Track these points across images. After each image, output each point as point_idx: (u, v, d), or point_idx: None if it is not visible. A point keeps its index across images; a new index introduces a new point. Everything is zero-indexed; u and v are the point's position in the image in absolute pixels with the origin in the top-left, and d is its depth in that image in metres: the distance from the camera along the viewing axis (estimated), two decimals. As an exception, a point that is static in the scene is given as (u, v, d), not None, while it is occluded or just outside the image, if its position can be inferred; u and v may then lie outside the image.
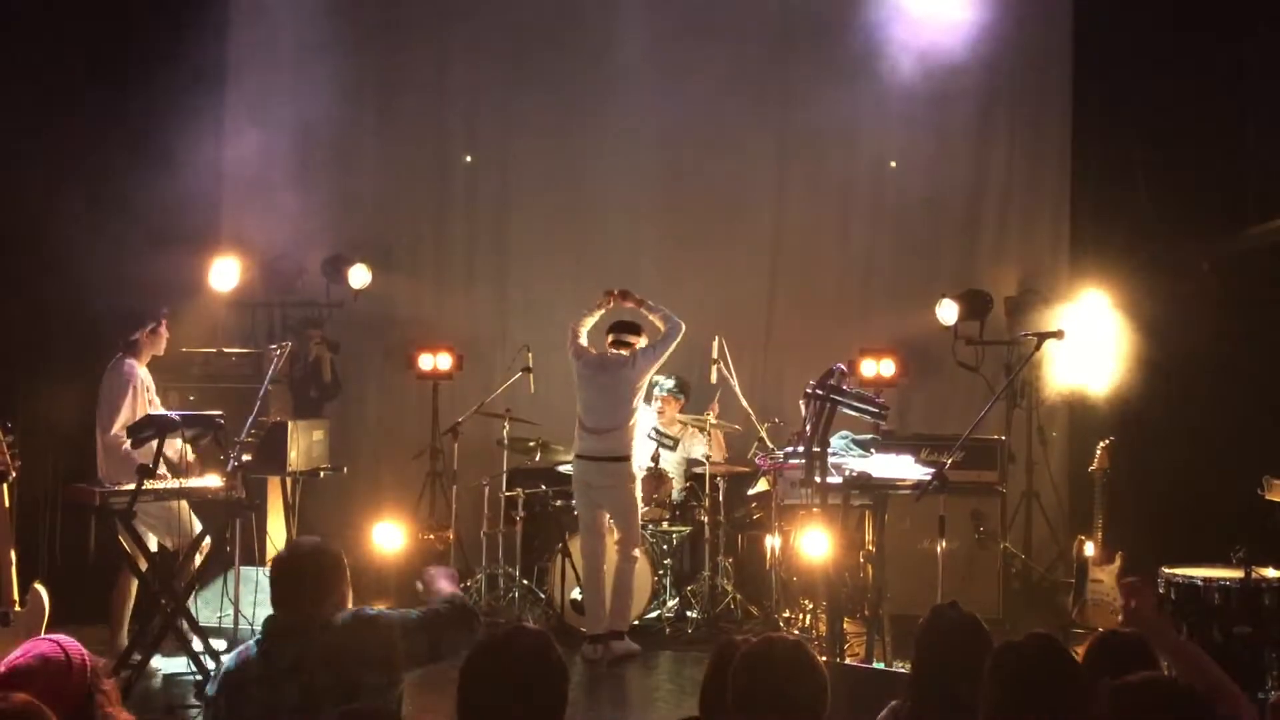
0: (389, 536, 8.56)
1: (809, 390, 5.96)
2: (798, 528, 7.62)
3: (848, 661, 6.14)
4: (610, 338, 7.63)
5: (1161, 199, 8.73)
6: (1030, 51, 9.62)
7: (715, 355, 8.06)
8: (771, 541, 7.79)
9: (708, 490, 8.13)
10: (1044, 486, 9.22)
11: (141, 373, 6.88)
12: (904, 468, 6.36)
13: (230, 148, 9.58)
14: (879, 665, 5.99)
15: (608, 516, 7.47)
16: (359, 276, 9.33)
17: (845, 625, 6.84)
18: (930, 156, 9.67)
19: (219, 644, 6.67)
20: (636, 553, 7.40)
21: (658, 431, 8.01)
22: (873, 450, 6.61)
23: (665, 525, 8.14)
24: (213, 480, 6.49)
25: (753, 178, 9.85)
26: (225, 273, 8.99)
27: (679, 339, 7.57)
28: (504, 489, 8.40)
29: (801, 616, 7.81)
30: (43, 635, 3.22)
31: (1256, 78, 8.48)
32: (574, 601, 7.72)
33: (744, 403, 7.98)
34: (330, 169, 9.84)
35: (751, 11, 9.74)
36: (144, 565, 6.44)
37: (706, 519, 8.09)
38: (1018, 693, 2.90)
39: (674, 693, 6.76)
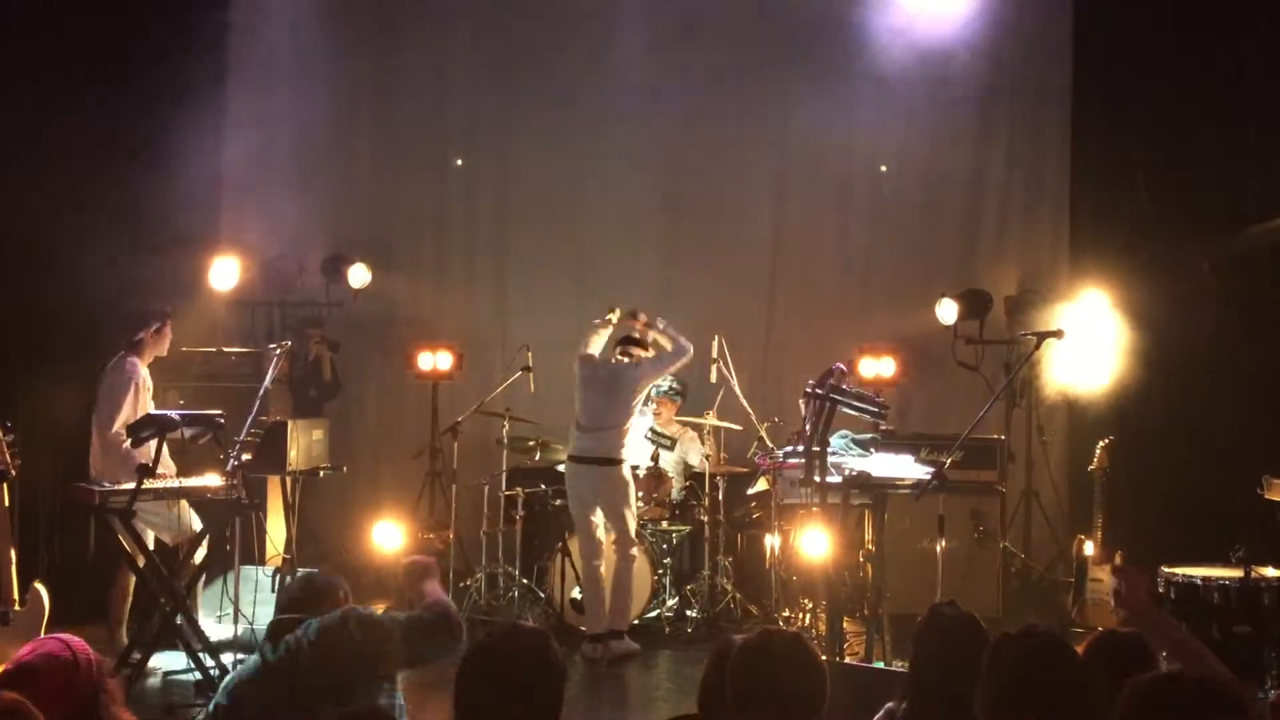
0: (389, 536, 8.57)
1: (808, 390, 5.96)
2: (797, 527, 7.62)
3: (847, 660, 6.13)
4: (618, 349, 7.66)
5: (1161, 199, 8.73)
6: (1030, 51, 9.63)
7: (715, 355, 8.06)
8: (771, 541, 7.79)
9: (707, 490, 8.14)
10: (1043, 486, 9.22)
11: (143, 372, 6.89)
12: (903, 467, 6.36)
13: (230, 147, 9.59)
14: (879, 664, 5.98)
15: (601, 517, 7.46)
16: (358, 276, 9.33)
17: (845, 624, 6.84)
18: (930, 156, 9.67)
19: (218, 634, 6.69)
20: (634, 551, 7.40)
21: (654, 432, 8.02)
22: (872, 450, 6.60)
23: (665, 524, 8.14)
24: (212, 479, 6.49)
25: (752, 177, 9.86)
26: (225, 272, 8.99)
27: (684, 360, 7.61)
28: (503, 488, 8.41)
29: (801, 616, 7.81)
30: (50, 635, 3.22)
31: (1256, 78, 8.49)
32: (574, 601, 7.72)
33: (744, 402, 7.97)
34: (330, 168, 9.85)
35: (750, 12, 9.74)
36: (143, 564, 6.44)
37: (706, 518, 8.10)
38: (1016, 689, 2.87)
39: (673, 692, 6.77)
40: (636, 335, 7.63)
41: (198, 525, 6.73)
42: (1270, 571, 6.22)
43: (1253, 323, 7.98)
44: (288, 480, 6.92)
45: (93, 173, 8.30)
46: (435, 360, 9.25)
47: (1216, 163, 8.57)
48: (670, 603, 8.02)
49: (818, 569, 7.12)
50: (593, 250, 9.84)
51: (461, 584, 8.26)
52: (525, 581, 8.12)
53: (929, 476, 5.80)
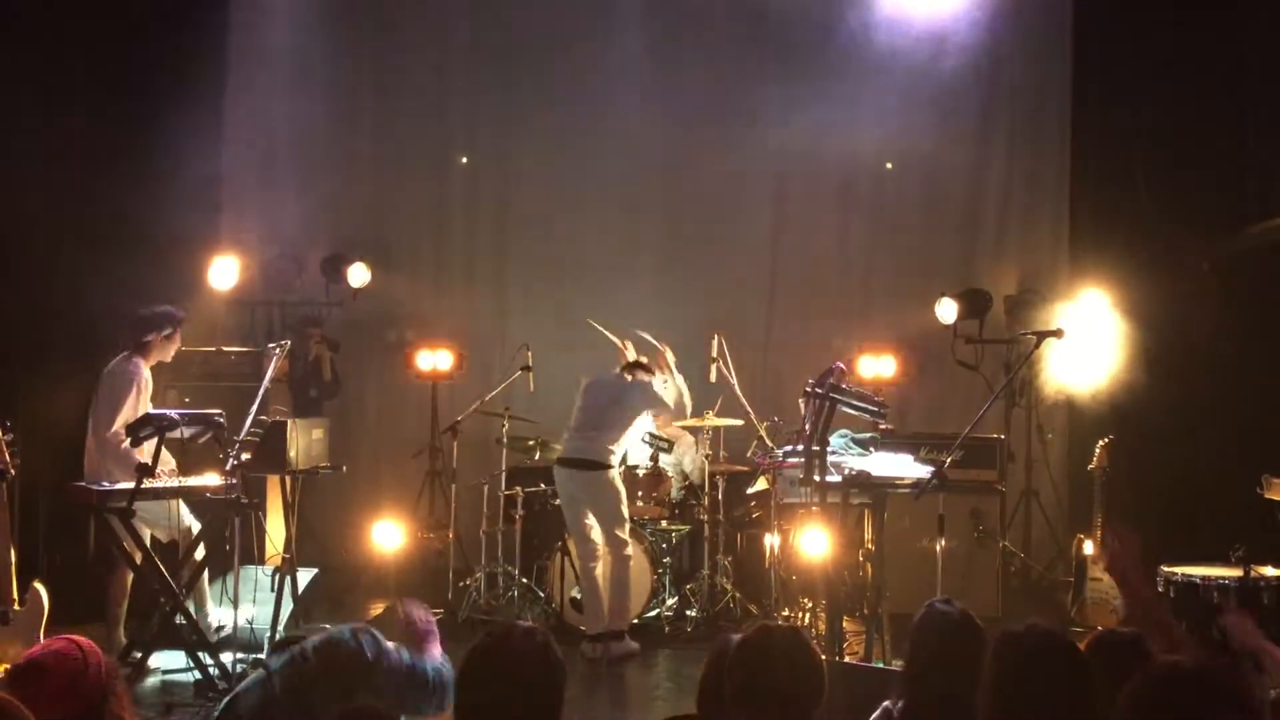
0: (388, 535, 8.57)
1: (808, 389, 5.96)
2: (797, 526, 7.61)
3: (847, 660, 6.13)
4: (623, 369, 7.74)
5: (1161, 199, 8.73)
6: (1030, 50, 9.63)
7: (715, 354, 8.06)
8: (771, 540, 7.78)
9: (707, 489, 8.14)
10: (1043, 485, 9.23)
11: (146, 374, 6.89)
12: (903, 466, 6.35)
13: (230, 147, 9.60)
14: (878, 664, 5.98)
15: (593, 518, 7.45)
16: (358, 275, 9.33)
17: (844, 624, 6.84)
18: (930, 155, 9.67)
19: (217, 621, 6.69)
20: (629, 550, 7.37)
21: (652, 435, 8.02)
22: (872, 449, 6.60)
23: (664, 524, 8.14)
24: (212, 479, 6.50)
25: (752, 177, 9.86)
26: (225, 272, 9.00)
27: (671, 413, 7.75)
28: (503, 487, 8.40)
29: (801, 615, 7.80)
30: (62, 635, 3.20)
31: (1256, 78, 8.49)
32: (573, 600, 7.71)
33: (744, 402, 7.97)
34: (330, 168, 9.86)
35: (750, 11, 9.74)
36: (141, 562, 6.44)
37: (706, 517, 8.09)
38: (1019, 687, 2.86)
39: (673, 691, 6.76)
40: (645, 360, 7.67)
41: (189, 521, 6.73)
42: (1270, 571, 6.23)
43: (1252, 322, 7.99)
44: (287, 479, 6.91)
45: (93, 172, 8.31)
46: (435, 360, 9.25)
47: (1216, 163, 8.57)
48: (670, 602, 8.02)
49: (817, 568, 7.12)
50: (593, 250, 9.84)
51: (461, 583, 8.26)
52: (525, 581, 8.12)
53: (929, 476, 5.80)
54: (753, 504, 8.36)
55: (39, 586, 5.89)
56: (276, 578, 6.71)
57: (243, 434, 6.51)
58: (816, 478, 5.86)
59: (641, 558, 7.61)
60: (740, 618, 7.98)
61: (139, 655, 6.40)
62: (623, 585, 7.34)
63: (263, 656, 6.43)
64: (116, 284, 7.72)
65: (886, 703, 3.40)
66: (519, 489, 8.26)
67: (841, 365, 6.16)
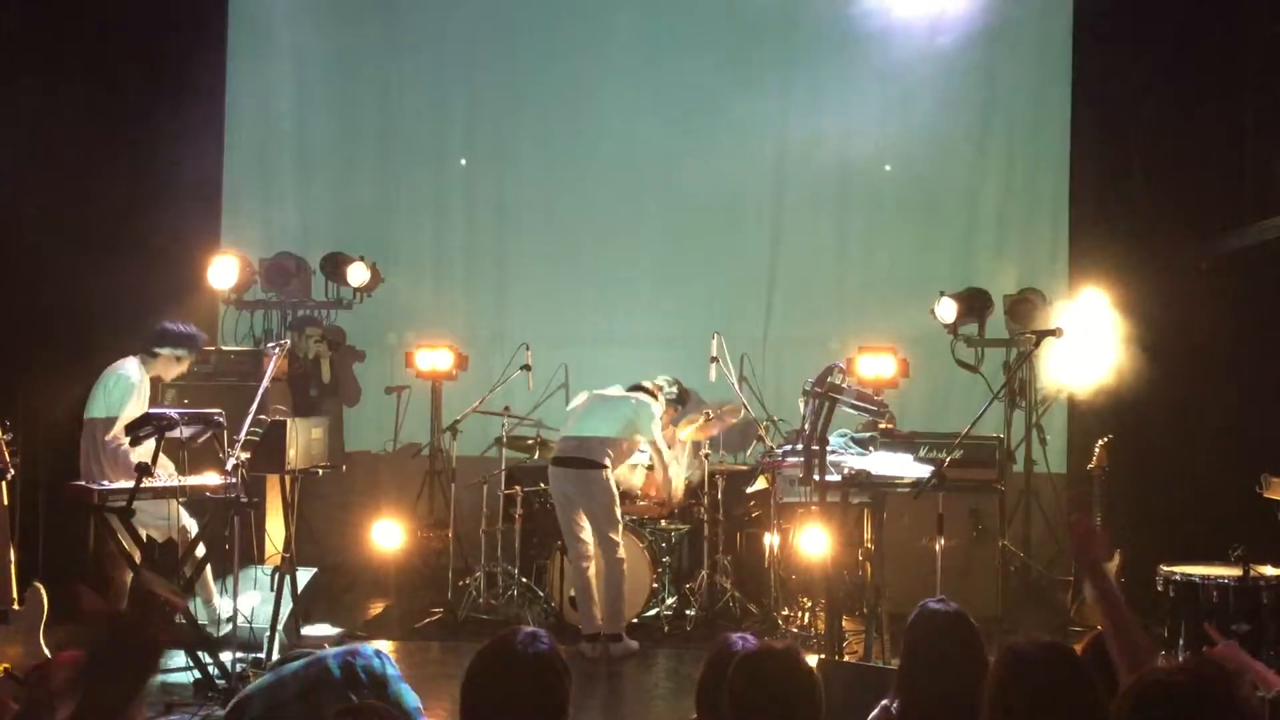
0: (388, 534, 8.57)
1: (808, 388, 5.96)
2: (796, 525, 7.62)
3: (846, 659, 6.14)
4: (630, 387, 7.76)
5: (1161, 199, 8.73)
6: (1030, 50, 9.62)
7: (714, 353, 8.06)
8: (770, 539, 7.79)
9: (707, 488, 8.14)
10: (1043, 485, 9.22)
11: (145, 381, 6.89)
12: (902, 466, 6.36)
13: (230, 147, 9.60)
14: (877, 663, 5.99)
15: (586, 519, 7.44)
16: (358, 275, 9.33)
17: (844, 623, 6.84)
18: (929, 154, 9.66)
19: (225, 611, 6.70)
20: (621, 553, 7.35)
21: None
22: (871, 448, 6.61)
23: (664, 523, 8.14)
24: (212, 478, 6.50)
25: (752, 177, 9.85)
26: (225, 272, 9.00)
27: (658, 474, 7.76)
28: (503, 487, 8.41)
29: (800, 614, 7.81)
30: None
31: (1256, 77, 8.49)
32: (572, 599, 7.70)
33: (743, 401, 7.98)
34: (329, 168, 9.87)
35: (750, 11, 9.74)
36: (141, 562, 6.44)
37: (705, 516, 8.10)
38: (1025, 699, 2.82)
39: (672, 690, 6.77)
40: (648, 385, 7.69)
41: (185, 520, 6.72)
42: (1269, 570, 6.23)
43: (1251, 321, 7.99)
44: (287, 479, 6.92)
45: (93, 172, 8.30)
46: (435, 360, 9.25)
47: (1215, 163, 8.57)
48: (669, 601, 8.02)
49: (817, 567, 7.12)
50: (593, 250, 9.84)
51: (461, 583, 8.27)
52: (525, 580, 8.12)
53: (928, 475, 5.80)
54: (752, 503, 8.36)
55: (39, 586, 5.89)
56: (276, 577, 6.72)
57: (242, 434, 6.52)
58: (816, 477, 5.87)
59: (641, 557, 7.61)
60: (740, 617, 7.98)
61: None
62: (616, 589, 7.32)
63: (262, 656, 6.46)
64: (116, 284, 7.73)
65: (885, 701, 3.41)
66: (518, 488, 8.27)
67: (840, 365, 6.16)
